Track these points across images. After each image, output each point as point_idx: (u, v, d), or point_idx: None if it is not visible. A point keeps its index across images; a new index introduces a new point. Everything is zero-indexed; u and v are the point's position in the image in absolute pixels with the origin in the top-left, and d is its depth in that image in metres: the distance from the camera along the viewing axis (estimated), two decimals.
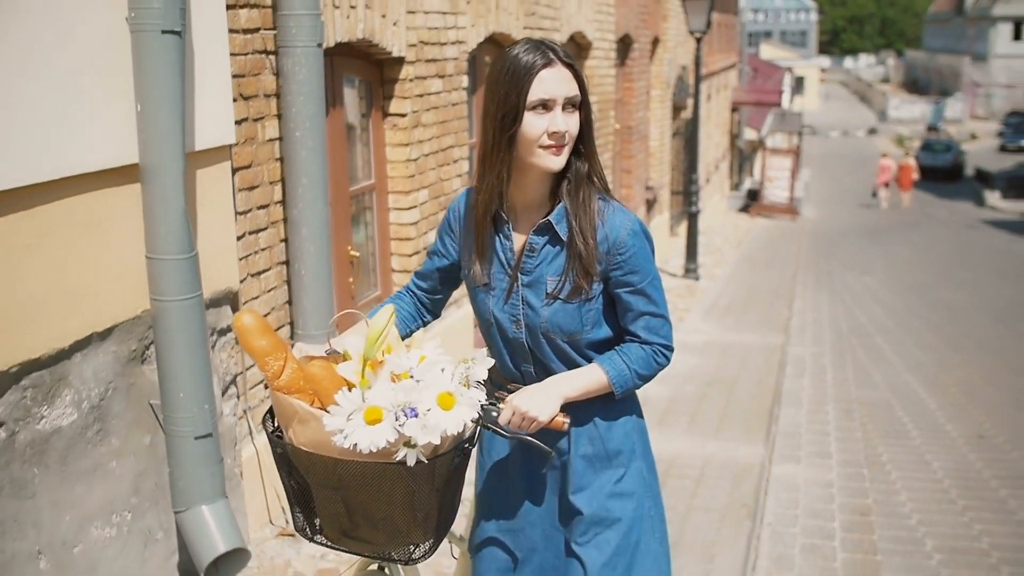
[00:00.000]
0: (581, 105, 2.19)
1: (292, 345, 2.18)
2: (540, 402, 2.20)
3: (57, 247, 3.08)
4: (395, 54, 5.47)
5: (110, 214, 3.28)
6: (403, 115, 5.68)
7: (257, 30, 4.13)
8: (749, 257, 17.15)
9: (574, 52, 9.63)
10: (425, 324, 2.58)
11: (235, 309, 4.01)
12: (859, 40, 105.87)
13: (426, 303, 2.58)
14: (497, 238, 2.32)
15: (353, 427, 1.89)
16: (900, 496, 5.67)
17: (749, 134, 31.01)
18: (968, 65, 62.19)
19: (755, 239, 20.19)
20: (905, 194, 31.02)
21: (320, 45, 4.12)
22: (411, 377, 1.97)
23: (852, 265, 18.35)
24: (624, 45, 11.88)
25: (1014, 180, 33.67)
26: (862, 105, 73.56)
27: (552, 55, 2.14)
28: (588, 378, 2.29)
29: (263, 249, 4.27)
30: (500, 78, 2.14)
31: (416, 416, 1.90)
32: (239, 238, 4.05)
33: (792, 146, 30.82)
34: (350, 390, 1.97)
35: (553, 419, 2.19)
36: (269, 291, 4.34)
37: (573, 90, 2.16)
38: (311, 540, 2.18)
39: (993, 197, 32.53)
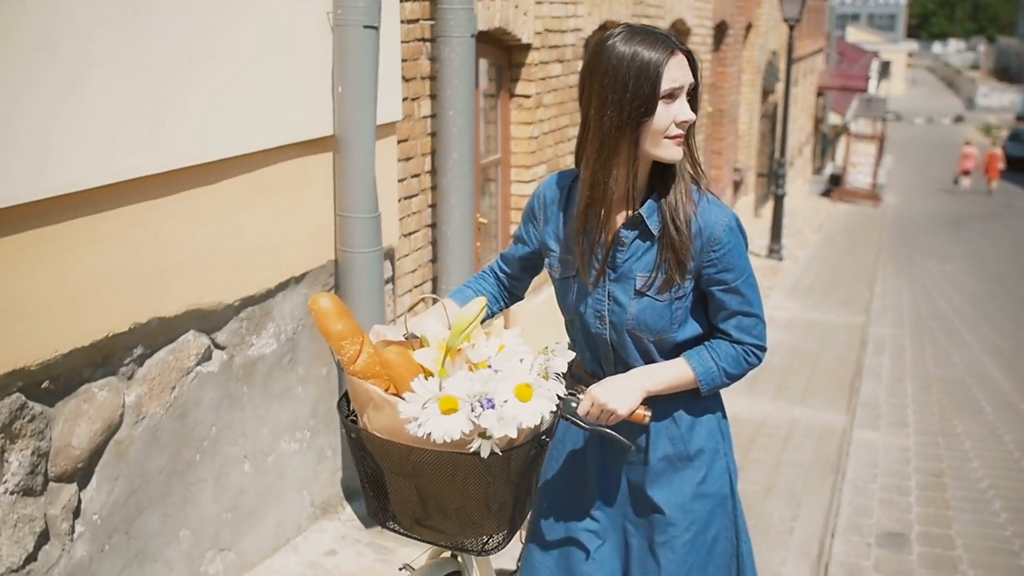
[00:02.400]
0: (695, 91, 2.15)
1: (370, 329, 2.17)
2: (621, 395, 2.15)
3: (269, 205, 3.70)
4: (524, 41, 6.03)
5: (307, 179, 3.90)
6: (528, 96, 6.25)
7: (417, 20, 4.71)
8: (830, 241, 17.47)
9: None
10: (507, 306, 2.59)
11: (393, 264, 4.61)
12: (949, 24, 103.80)
13: (508, 286, 2.57)
14: (587, 231, 2.23)
15: (428, 416, 1.85)
16: (972, 463, 6.15)
17: (833, 119, 31.03)
18: None
19: (836, 224, 20.44)
20: (991, 182, 30.86)
21: (473, 35, 4.69)
22: (489, 367, 1.94)
23: (932, 253, 18.58)
24: (719, 31, 12.29)
25: None
26: (949, 92, 72.41)
27: (672, 44, 2.09)
28: (673, 373, 2.22)
29: (414, 213, 4.87)
30: (622, 69, 2.06)
31: (493, 407, 1.85)
32: (397, 202, 4.66)
33: (876, 132, 30.80)
34: (427, 378, 1.93)
35: (633, 412, 2.15)
36: (417, 250, 4.95)
37: (691, 77, 2.11)
38: (384, 526, 2.15)
39: None
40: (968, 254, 18.67)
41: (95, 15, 2.82)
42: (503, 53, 6.16)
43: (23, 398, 2.77)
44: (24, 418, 2.78)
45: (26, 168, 2.65)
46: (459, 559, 2.41)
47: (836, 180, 27.02)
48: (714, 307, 2.23)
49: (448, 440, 1.83)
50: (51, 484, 2.93)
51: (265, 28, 3.56)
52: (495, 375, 1.90)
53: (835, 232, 18.91)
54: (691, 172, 2.20)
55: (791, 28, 13.59)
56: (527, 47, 6.15)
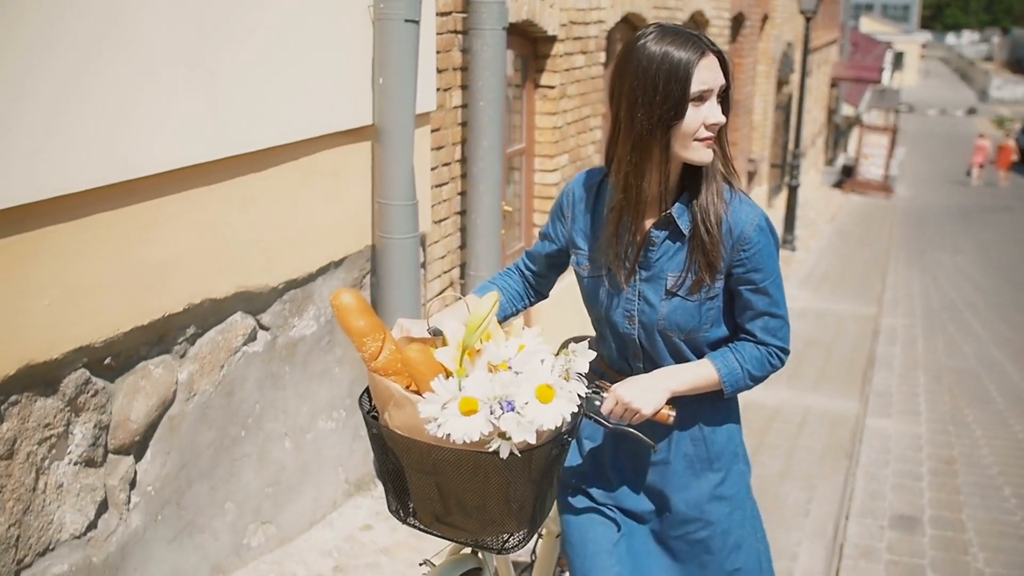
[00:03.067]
0: (726, 92, 2.12)
1: (395, 324, 2.16)
2: (646, 394, 2.15)
3: (311, 192, 3.85)
4: (549, 33, 6.16)
5: (347, 166, 4.05)
6: (552, 87, 6.38)
7: (449, 13, 4.85)
8: (842, 232, 17.58)
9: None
10: (532, 304, 2.58)
11: (424, 250, 4.76)
12: (963, 16, 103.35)
13: (533, 283, 2.55)
14: (617, 232, 2.23)
15: (447, 416, 1.85)
16: (983, 450, 6.29)
17: (846, 110, 31.06)
18: None
19: (848, 215, 20.54)
20: (1002, 173, 30.95)
21: (505, 28, 4.83)
22: (509, 368, 1.92)
23: (944, 245, 18.67)
24: (736, 22, 12.40)
25: None
26: (962, 83, 72.22)
27: (703, 45, 2.08)
28: (697, 373, 2.22)
29: (444, 200, 5.01)
30: (652, 70, 2.05)
31: (512, 410, 1.84)
32: (430, 190, 4.80)
33: (889, 124, 30.84)
34: (447, 377, 1.92)
35: (658, 412, 2.15)
36: (446, 236, 5.09)
37: (722, 79, 2.09)
38: (404, 522, 2.14)
39: None
40: (979, 246, 18.76)
41: (158, 13, 2.97)
42: (529, 44, 6.30)
43: (87, 373, 2.93)
44: (88, 392, 2.94)
45: (94, 156, 2.80)
46: (479, 556, 2.42)
47: (848, 171, 27.10)
48: (740, 307, 2.22)
49: (467, 441, 1.83)
50: (110, 456, 3.09)
51: (309, 22, 3.70)
52: (515, 377, 1.88)
53: (847, 223, 19.01)
54: (723, 172, 2.19)
55: (807, 20, 13.66)
56: (552, 39, 6.28)
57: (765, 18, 14.20)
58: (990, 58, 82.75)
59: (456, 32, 4.92)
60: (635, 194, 2.16)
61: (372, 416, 2.10)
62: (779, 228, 14.14)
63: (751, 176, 14.29)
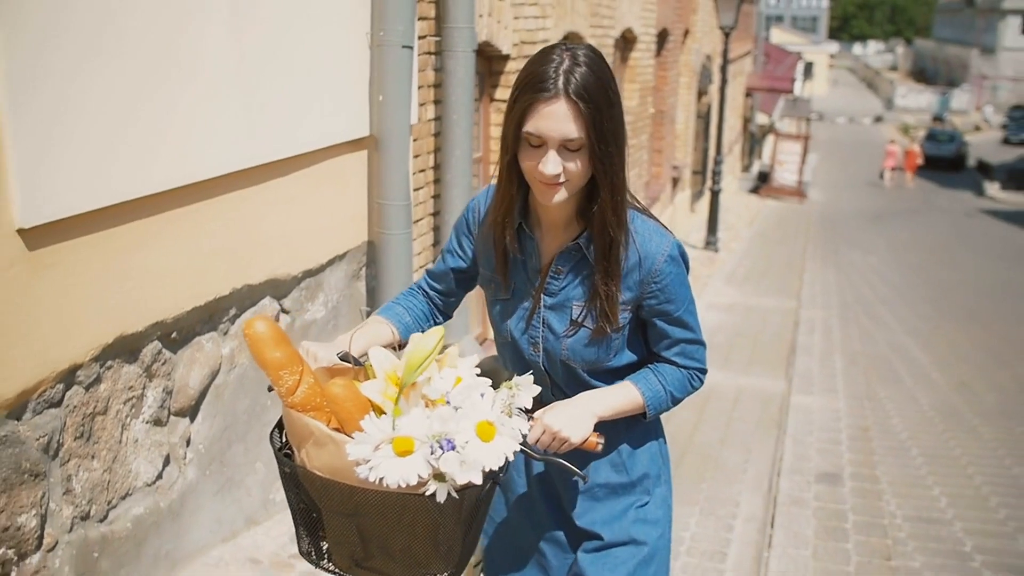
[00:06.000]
0: (595, 144, 1.91)
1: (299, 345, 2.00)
2: (573, 422, 2.01)
3: (321, 194, 4.45)
4: (503, 52, 6.82)
5: (348, 172, 4.66)
6: (506, 101, 7.04)
7: (425, 37, 5.48)
8: (762, 234, 18.55)
9: (622, 47, 10.98)
10: (437, 324, 2.40)
11: None
12: (868, 27, 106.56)
13: (439, 304, 2.40)
14: (520, 254, 2.13)
15: (380, 458, 1.69)
16: (893, 420, 7.10)
17: (761, 118, 32.29)
18: (976, 56, 63.06)
19: (766, 219, 21.57)
20: (909, 175, 32.88)
21: (475, 50, 5.48)
22: (447, 403, 1.77)
23: (856, 245, 19.78)
24: (661, 38, 13.21)
25: (1014, 172, 34.98)
26: (869, 92, 74.74)
27: (559, 88, 1.89)
28: (622, 397, 2.12)
29: (420, 203, 5.63)
30: (512, 90, 1.96)
31: (453, 449, 1.69)
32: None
33: (801, 132, 32.15)
34: (377, 414, 1.77)
35: (586, 440, 2.02)
36: (422, 235, 5.71)
37: (571, 132, 1.89)
38: (316, 566, 1.95)
39: (993, 188, 33.78)
40: (889, 246, 19.92)
41: (214, 44, 3.56)
42: (485, 63, 6.95)
43: (160, 345, 3.50)
44: (159, 361, 3.51)
45: (165, 164, 3.39)
46: None
47: (764, 177, 28.27)
48: (655, 336, 2.15)
49: (403, 485, 1.67)
50: (172, 417, 3.66)
51: (319, 49, 4.31)
52: (455, 413, 1.72)
53: (765, 226, 20.02)
54: (628, 199, 2.05)
55: (726, 35, 14.54)
56: (506, 57, 6.94)
57: (686, 33, 15.05)
58: (895, 68, 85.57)
59: (430, 53, 5.55)
60: (517, 217, 2.09)
61: (285, 454, 1.93)
62: (702, 231, 15.01)
63: (675, 182, 15.12)
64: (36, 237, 2.85)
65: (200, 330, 3.74)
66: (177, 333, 3.59)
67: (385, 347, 1.96)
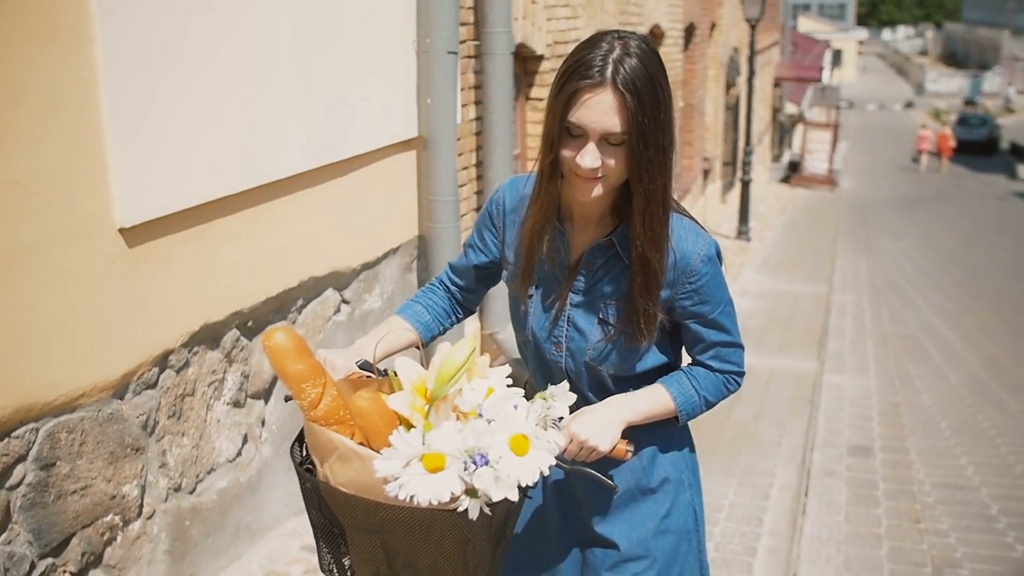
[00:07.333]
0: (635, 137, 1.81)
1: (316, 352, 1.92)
2: (602, 429, 1.92)
3: (377, 192, 4.79)
4: (538, 52, 7.14)
5: (400, 171, 4.99)
6: (541, 99, 7.36)
7: (465, 41, 5.81)
8: (792, 223, 18.75)
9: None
10: (460, 321, 2.36)
11: None
12: (897, 12, 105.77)
13: (460, 299, 2.33)
14: (549, 247, 2.02)
15: (410, 475, 1.62)
16: (923, 396, 7.36)
17: (790, 108, 32.38)
18: (1008, 38, 62.37)
19: (796, 207, 21.75)
20: (943, 159, 33.03)
21: (512, 52, 5.79)
22: (480, 416, 1.71)
23: (887, 231, 19.94)
24: (688, 32, 13.46)
25: None
26: (899, 78, 74.26)
27: (606, 77, 1.79)
28: (652, 402, 2.02)
29: (464, 199, 5.96)
30: (557, 75, 1.86)
31: (488, 464, 1.62)
32: None
33: (831, 120, 32.19)
34: (407, 428, 1.70)
35: (615, 447, 1.94)
36: (466, 230, 6.03)
37: (614, 126, 1.81)
38: None
39: None
40: (920, 232, 20.07)
41: (283, 54, 3.90)
42: (520, 63, 7.27)
43: (238, 333, 3.84)
44: (238, 348, 3.85)
45: (244, 166, 3.73)
46: None
47: (794, 167, 28.37)
48: (690, 339, 2.07)
49: (435, 503, 1.61)
50: (248, 400, 4.00)
51: (371, 56, 4.64)
52: (488, 426, 1.66)
53: (796, 215, 20.21)
54: (668, 203, 1.94)
55: (752, 27, 14.77)
56: (540, 57, 7.26)
57: (713, 26, 15.29)
58: (925, 52, 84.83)
59: (471, 57, 5.87)
60: (553, 209, 1.98)
61: (307, 469, 1.85)
62: (733, 221, 15.25)
63: (706, 174, 15.37)
64: (135, 235, 3.20)
65: (272, 319, 4.08)
66: (252, 322, 3.93)
67: (405, 349, 1.97)
